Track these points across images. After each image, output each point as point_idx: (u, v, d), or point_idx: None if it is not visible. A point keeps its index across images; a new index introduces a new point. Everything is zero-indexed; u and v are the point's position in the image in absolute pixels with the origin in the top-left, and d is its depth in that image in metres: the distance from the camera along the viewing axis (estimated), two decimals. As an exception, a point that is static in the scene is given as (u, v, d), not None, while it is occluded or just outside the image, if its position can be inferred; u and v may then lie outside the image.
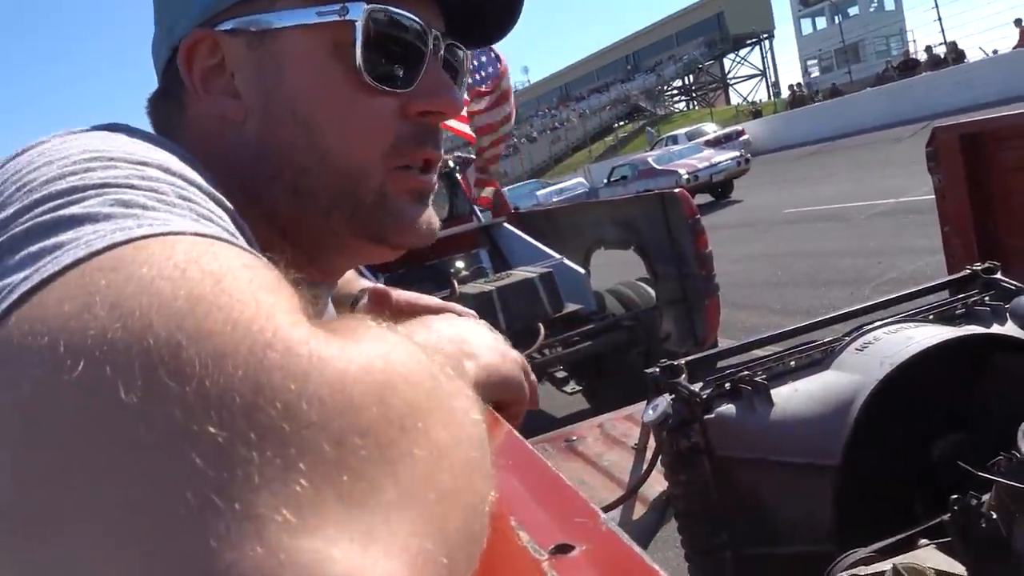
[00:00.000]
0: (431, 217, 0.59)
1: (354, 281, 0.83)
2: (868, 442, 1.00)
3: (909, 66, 25.19)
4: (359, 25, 0.50)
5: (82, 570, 0.22)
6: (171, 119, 0.55)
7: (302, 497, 0.24)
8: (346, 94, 0.52)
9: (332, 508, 0.24)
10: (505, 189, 6.58)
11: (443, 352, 0.42)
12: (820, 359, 1.21)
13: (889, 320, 1.22)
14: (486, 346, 0.63)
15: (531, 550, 0.32)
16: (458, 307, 0.79)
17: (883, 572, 0.82)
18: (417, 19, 0.53)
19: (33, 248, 0.29)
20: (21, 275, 0.28)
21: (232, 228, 0.38)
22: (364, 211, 0.54)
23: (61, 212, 0.31)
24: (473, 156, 6.17)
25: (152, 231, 0.30)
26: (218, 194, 0.40)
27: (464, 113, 5.54)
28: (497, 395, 0.61)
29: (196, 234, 0.31)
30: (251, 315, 0.27)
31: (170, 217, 0.32)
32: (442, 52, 0.56)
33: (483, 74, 5.74)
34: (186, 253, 0.29)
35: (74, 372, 0.24)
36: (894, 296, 1.44)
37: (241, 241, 0.36)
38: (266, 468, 0.24)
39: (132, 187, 0.34)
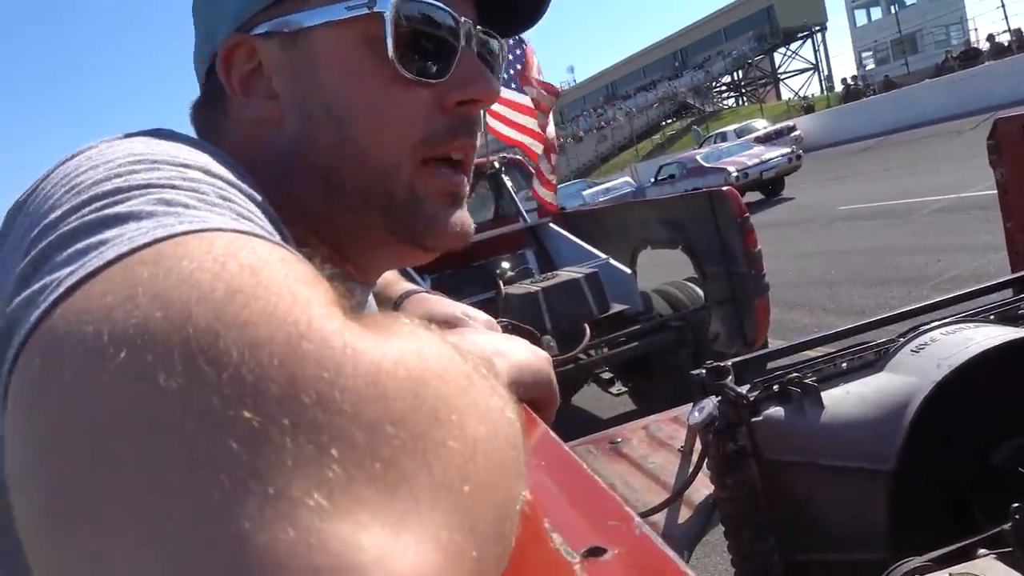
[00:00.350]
0: (465, 219, 0.58)
1: (396, 284, 0.84)
2: (924, 446, 0.97)
3: (970, 56, 24.31)
4: (388, 16, 0.50)
5: (120, 549, 0.23)
6: (214, 124, 0.57)
7: (334, 482, 0.24)
8: (378, 87, 0.52)
9: (364, 494, 0.24)
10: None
11: (477, 349, 0.42)
12: (873, 361, 1.18)
13: (947, 320, 1.18)
14: (516, 345, 0.63)
15: (563, 552, 0.32)
16: (475, 318, 0.81)
17: (939, 582, 0.79)
18: (447, 8, 0.53)
19: (80, 245, 0.31)
20: (68, 270, 0.29)
21: (270, 227, 0.39)
22: (397, 208, 0.55)
23: (106, 211, 0.32)
24: (519, 156, 6.17)
25: (192, 227, 0.31)
26: (257, 195, 0.41)
27: (537, 130, 5.54)
28: (530, 393, 0.61)
29: (234, 231, 0.32)
30: (287, 306, 0.27)
31: (210, 215, 0.33)
32: (475, 41, 0.56)
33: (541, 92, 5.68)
34: (224, 248, 0.30)
35: (116, 359, 0.25)
36: (953, 295, 1.39)
37: (278, 239, 0.37)
38: (299, 453, 0.24)
39: (174, 187, 0.35)
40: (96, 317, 0.27)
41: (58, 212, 0.34)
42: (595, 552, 0.31)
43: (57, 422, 0.25)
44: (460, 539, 0.26)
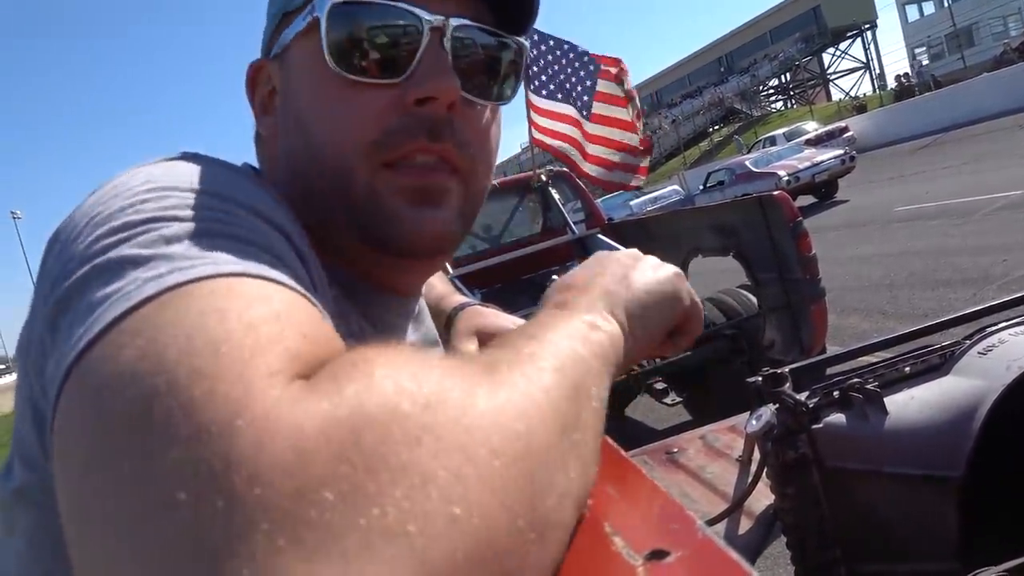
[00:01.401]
0: (433, 223, 0.54)
1: (449, 297, 0.84)
2: (995, 452, 0.94)
3: (1031, 48, 23.42)
4: (322, 20, 0.51)
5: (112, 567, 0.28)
6: (256, 145, 0.62)
7: (266, 552, 0.26)
8: (331, 91, 0.52)
9: (294, 560, 0.26)
10: (598, 200, 6.54)
11: (544, 348, 0.40)
12: (938, 364, 1.14)
13: (1016, 320, 1.14)
14: (642, 267, 0.57)
15: (625, 555, 0.32)
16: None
17: (1016, 592, 0.76)
18: (403, 6, 0.51)
19: (91, 298, 0.36)
20: (79, 331, 0.35)
21: (276, 240, 0.42)
22: (359, 214, 0.53)
23: (110, 255, 0.37)
24: (564, 169, 6.17)
25: (180, 279, 0.34)
26: (273, 212, 0.44)
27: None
28: (665, 319, 0.56)
29: (220, 275, 0.35)
30: (227, 388, 0.30)
31: (204, 254, 0.37)
32: (447, 38, 0.53)
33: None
34: (200, 312, 0.33)
35: (101, 438, 0.31)
36: (1020, 295, 1.34)
37: (282, 256, 0.40)
38: (230, 528, 0.26)
39: (177, 219, 0.39)
40: (86, 397, 0.32)
41: (77, 247, 0.39)
42: (658, 555, 0.31)
43: (72, 464, 0.32)
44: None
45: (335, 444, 0.29)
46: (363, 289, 0.58)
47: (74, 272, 0.38)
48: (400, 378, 0.32)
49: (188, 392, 0.30)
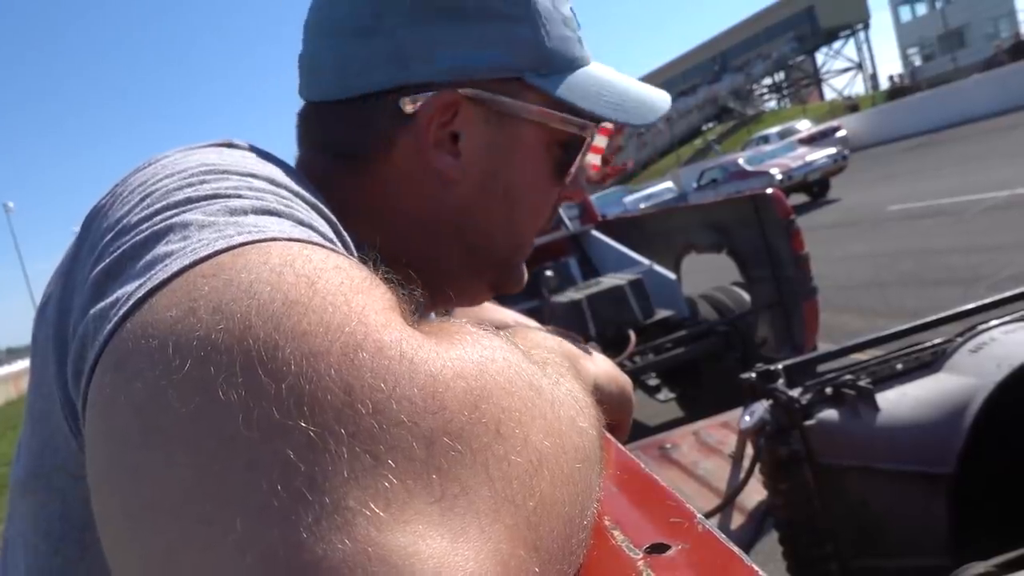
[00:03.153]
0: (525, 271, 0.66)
1: (492, 312, 0.87)
2: (985, 448, 0.94)
3: (1020, 49, 23.53)
4: (588, 143, 0.59)
5: (186, 554, 0.24)
6: (365, 145, 0.56)
7: (391, 493, 0.24)
8: (546, 186, 0.60)
9: (422, 506, 0.24)
10: (592, 196, 6.54)
11: (557, 353, 0.43)
12: (930, 362, 1.15)
13: (1006, 319, 1.15)
14: (600, 358, 0.64)
15: (625, 549, 0.32)
16: (527, 325, 0.82)
17: (1005, 588, 0.77)
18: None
19: (148, 257, 0.33)
20: (137, 283, 0.31)
21: (331, 235, 0.41)
22: (507, 269, 0.63)
23: (174, 220, 0.34)
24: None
25: (251, 238, 0.32)
26: (321, 206, 0.43)
27: None
28: (611, 412, 0.58)
29: (290, 239, 0.33)
30: (342, 317, 0.28)
31: (269, 223, 0.35)
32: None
33: None
34: (281, 257, 0.31)
35: (180, 372, 0.26)
36: (1011, 293, 1.35)
37: (339, 247, 0.38)
38: (355, 464, 0.24)
39: (240, 196, 0.37)
40: (161, 331, 0.28)
41: (132, 219, 0.36)
42: (658, 548, 0.31)
43: (127, 433, 0.26)
44: (523, 554, 0.26)
45: (470, 397, 0.28)
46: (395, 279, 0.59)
47: (129, 240, 0.35)
48: (510, 356, 0.33)
49: (289, 322, 0.27)
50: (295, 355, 0.26)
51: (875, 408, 1.08)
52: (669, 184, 23.26)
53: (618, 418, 0.63)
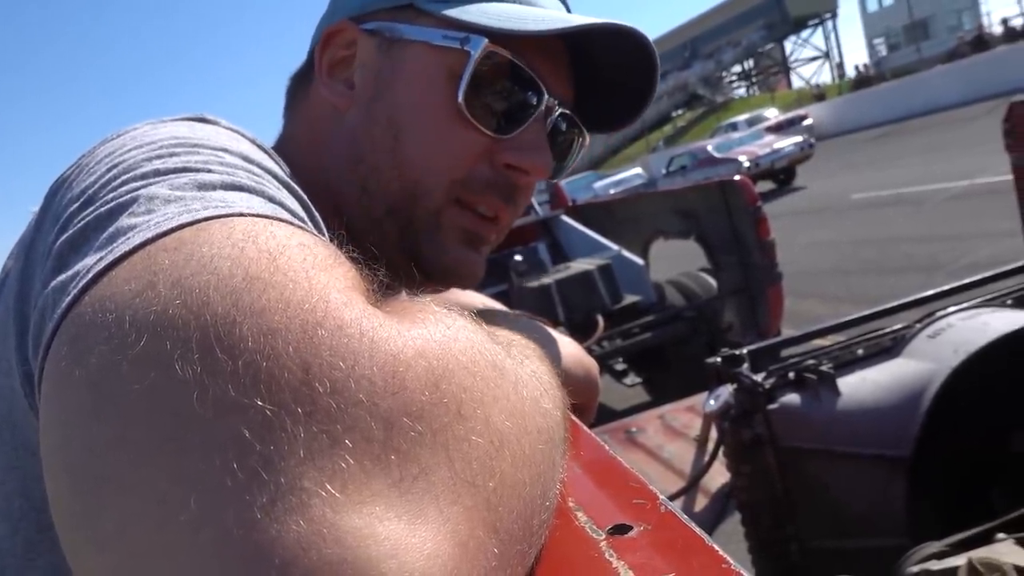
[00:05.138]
0: (475, 265, 0.60)
1: (460, 295, 0.85)
2: (941, 432, 0.97)
3: (981, 42, 24.02)
4: (473, 57, 0.53)
5: (134, 537, 0.23)
6: (298, 95, 0.61)
7: (348, 474, 0.24)
8: (442, 116, 0.54)
9: (379, 487, 0.24)
10: (562, 182, 6.55)
11: (523, 335, 0.42)
12: (890, 347, 1.18)
13: (964, 306, 1.18)
14: (567, 340, 0.64)
15: (588, 530, 0.32)
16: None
17: (957, 567, 0.79)
18: (534, 75, 0.55)
19: (111, 228, 0.32)
20: (97, 256, 0.30)
21: (302, 214, 0.40)
22: (413, 231, 0.57)
23: (140, 192, 0.33)
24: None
25: (216, 212, 0.31)
26: (293, 184, 0.42)
27: None
28: (577, 394, 0.58)
29: (256, 215, 0.32)
30: (303, 294, 0.27)
31: (237, 199, 0.34)
32: (552, 119, 0.58)
33: None
34: (244, 232, 0.30)
35: (136, 347, 0.25)
36: (968, 280, 1.38)
37: (309, 226, 0.37)
38: (312, 444, 0.24)
39: (209, 170, 0.36)
40: (119, 305, 0.27)
41: (97, 190, 0.35)
42: (621, 529, 0.31)
43: (80, 409, 0.26)
44: (482, 535, 0.26)
45: (431, 376, 0.28)
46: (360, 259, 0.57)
47: (93, 211, 0.34)
48: (473, 335, 0.32)
49: (248, 298, 0.27)
50: (253, 332, 0.26)
51: (836, 392, 1.10)
52: (638, 170, 23.36)
53: (584, 401, 0.63)
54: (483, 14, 0.53)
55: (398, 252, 0.57)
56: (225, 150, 0.39)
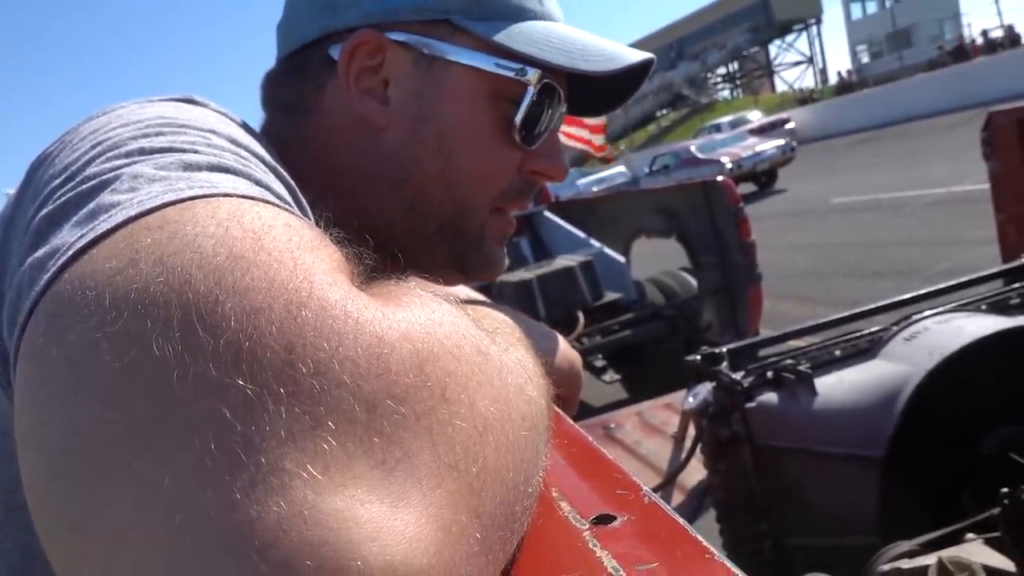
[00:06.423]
0: (504, 259, 0.64)
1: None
2: (915, 433, 0.98)
3: (961, 52, 24.36)
4: (531, 88, 0.54)
5: (114, 516, 0.23)
6: (302, 97, 0.57)
7: (329, 456, 0.23)
8: (491, 139, 0.57)
9: (361, 469, 0.24)
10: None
11: (508, 323, 0.42)
12: (867, 349, 1.19)
13: (940, 309, 1.19)
14: (549, 331, 0.64)
15: (572, 520, 0.32)
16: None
17: (927, 566, 0.80)
18: (563, 94, 0.57)
19: (92, 205, 0.31)
20: (78, 233, 0.29)
21: (289, 199, 0.39)
22: (462, 244, 0.59)
23: (124, 170, 0.33)
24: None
25: (201, 192, 0.31)
26: (280, 168, 0.41)
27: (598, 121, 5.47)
28: (561, 385, 0.60)
29: (242, 196, 0.32)
30: (288, 273, 0.27)
31: (222, 180, 0.33)
32: (559, 119, 0.60)
33: None
34: (229, 212, 0.29)
35: (116, 324, 0.25)
36: (945, 285, 1.40)
37: (293, 209, 0.37)
38: (294, 425, 0.24)
39: (196, 151, 0.35)
40: (99, 282, 0.27)
41: (80, 167, 0.34)
42: (604, 520, 0.31)
43: (58, 388, 0.25)
44: (464, 519, 0.26)
45: (416, 359, 0.27)
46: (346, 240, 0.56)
47: (74, 188, 0.33)
48: (459, 320, 0.32)
49: (232, 277, 0.26)
50: (236, 311, 0.25)
51: (813, 392, 1.11)
52: (622, 168, 23.42)
53: (567, 392, 0.63)
54: (531, 43, 0.54)
55: (444, 263, 0.60)
56: (213, 131, 0.39)
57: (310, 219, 0.42)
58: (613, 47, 0.58)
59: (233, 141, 0.39)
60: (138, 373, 0.24)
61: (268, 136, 0.55)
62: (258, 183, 0.36)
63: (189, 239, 0.27)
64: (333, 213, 0.43)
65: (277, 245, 0.28)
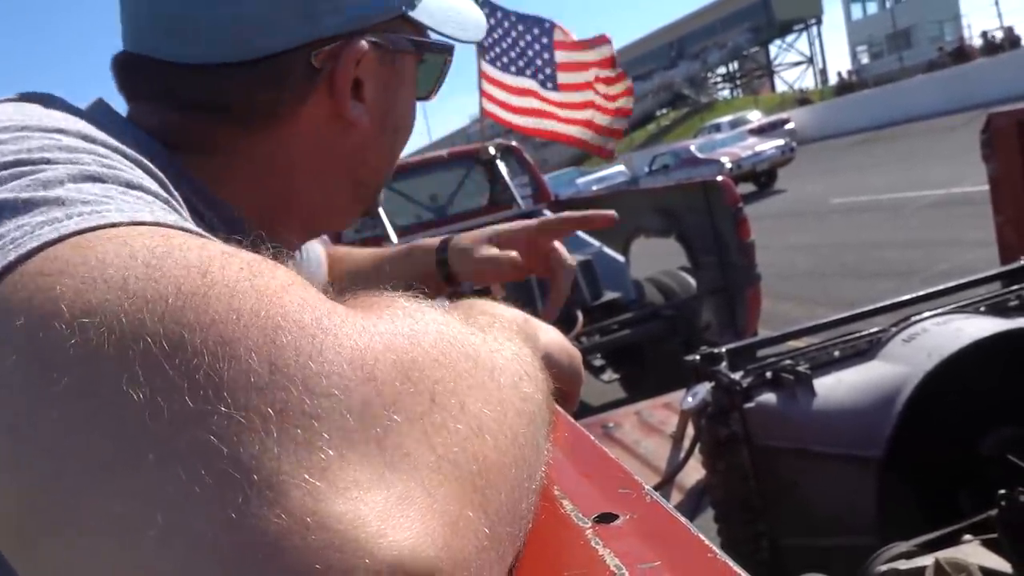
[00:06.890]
0: None
1: (406, 248, 0.90)
2: (913, 434, 0.98)
3: (962, 54, 24.39)
4: (449, 60, 0.62)
5: (102, 560, 0.22)
6: (276, 105, 0.52)
7: (325, 463, 0.23)
8: (413, 106, 0.62)
9: (361, 474, 0.24)
10: (545, 177, 6.55)
11: (506, 319, 0.42)
12: (865, 350, 1.19)
13: (939, 311, 1.20)
14: (550, 328, 0.63)
15: (574, 518, 0.32)
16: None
17: (924, 567, 0.80)
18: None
19: None
20: None
21: (163, 194, 0.36)
22: (374, 192, 0.64)
23: None
24: (513, 143, 6.14)
25: (90, 224, 0.28)
26: (143, 159, 0.38)
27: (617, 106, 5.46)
28: (561, 380, 0.57)
29: (140, 223, 0.29)
30: (253, 303, 0.26)
31: (102, 200, 0.30)
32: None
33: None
34: (145, 245, 0.27)
35: (60, 384, 0.23)
36: (943, 287, 1.40)
37: (182, 215, 0.36)
38: (285, 440, 0.23)
39: (48, 162, 0.32)
40: (19, 346, 0.24)
41: None
42: (606, 518, 0.31)
43: (33, 449, 0.24)
44: (471, 515, 0.26)
45: (401, 369, 0.27)
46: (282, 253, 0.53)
47: None
48: (444, 328, 0.32)
49: (192, 314, 0.25)
50: (206, 343, 0.24)
51: (812, 393, 1.12)
52: (621, 167, 23.43)
53: (567, 388, 0.63)
54: (447, 21, 0.59)
55: (356, 211, 0.64)
56: (60, 131, 0.35)
57: (183, 209, 0.40)
58: (476, 15, 0.64)
59: (86, 138, 0.36)
60: (109, 426, 0.23)
61: (155, 128, 0.50)
62: (129, 185, 0.33)
63: (118, 284, 0.25)
64: (267, 206, 0.46)
65: (228, 274, 0.27)
